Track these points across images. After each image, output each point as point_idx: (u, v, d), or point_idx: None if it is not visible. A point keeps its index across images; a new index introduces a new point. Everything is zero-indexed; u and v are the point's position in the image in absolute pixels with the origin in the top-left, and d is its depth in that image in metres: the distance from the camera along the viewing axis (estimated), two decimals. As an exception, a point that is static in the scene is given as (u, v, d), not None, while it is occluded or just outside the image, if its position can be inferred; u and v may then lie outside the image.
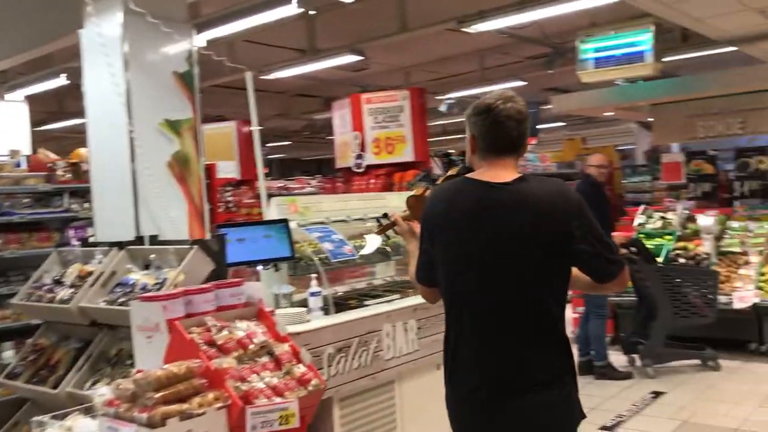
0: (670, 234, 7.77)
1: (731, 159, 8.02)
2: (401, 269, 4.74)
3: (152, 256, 3.46)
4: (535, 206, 2.12)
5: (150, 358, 2.66)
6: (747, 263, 7.02)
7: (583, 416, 2.24)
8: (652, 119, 9.11)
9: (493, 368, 2.15)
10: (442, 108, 13.17)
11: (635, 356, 6.45)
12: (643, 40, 6.31)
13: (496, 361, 2.15)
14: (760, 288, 6.66)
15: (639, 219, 8.04)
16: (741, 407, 5.23)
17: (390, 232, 2.85)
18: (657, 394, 5.66)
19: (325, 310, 3.76)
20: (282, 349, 2.78)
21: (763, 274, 6.80)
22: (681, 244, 7.72)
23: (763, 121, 7.95)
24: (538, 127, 12.61)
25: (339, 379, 3.49)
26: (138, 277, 3.39)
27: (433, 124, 13.27)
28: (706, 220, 7.35)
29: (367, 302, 4.14)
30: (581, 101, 8.22)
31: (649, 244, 7.75)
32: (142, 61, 3.98)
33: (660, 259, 7.41)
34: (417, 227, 2.45)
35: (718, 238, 7.46)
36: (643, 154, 12.99)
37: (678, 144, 10.06)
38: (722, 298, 6.72)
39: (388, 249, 4.42)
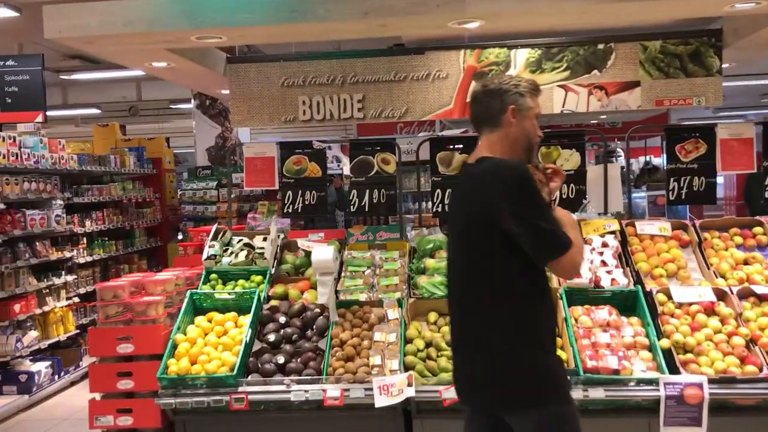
0: (261, 272, 4.75)
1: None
2: None
3: None
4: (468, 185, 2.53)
5: None
6: (383, 321, 4.34)
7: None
8: (227, 92, 5.83)
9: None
10: None
11: None
12: None
13: None
14: (410, 367, 3.99)
15: (211, 249, 4.83)
16: None
17: None
18: None
19: None
20: None
21: (409, 341, 4.16)
22: (279, 288, 4.75)
23: (381, 102, 5.41)
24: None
25: None
26: None
27: None
28: (321, 250, 4.40)
29: None
30: (90, 24, 4.44)
31: (224, 289, 4.65)
32: None
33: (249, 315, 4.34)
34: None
35: (337, 279, 4.67)
36: (205, 151, 9.87)
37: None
38: (356, 391, 3.89)
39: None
